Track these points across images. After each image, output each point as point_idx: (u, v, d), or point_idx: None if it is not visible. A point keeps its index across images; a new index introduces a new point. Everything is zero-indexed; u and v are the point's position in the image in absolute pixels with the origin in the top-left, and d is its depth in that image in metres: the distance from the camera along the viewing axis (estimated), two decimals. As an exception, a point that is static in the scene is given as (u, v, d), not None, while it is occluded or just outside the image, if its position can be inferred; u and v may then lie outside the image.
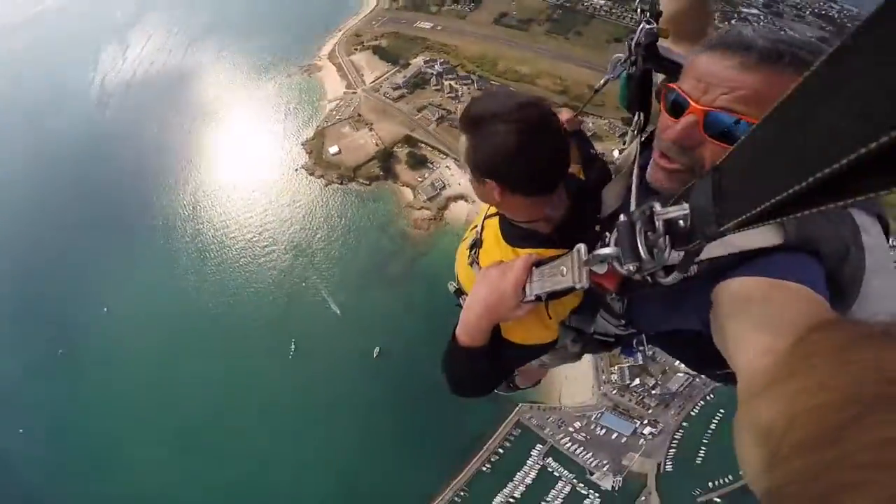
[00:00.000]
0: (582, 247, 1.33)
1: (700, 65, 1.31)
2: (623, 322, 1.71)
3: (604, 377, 41.54)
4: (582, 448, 39.32)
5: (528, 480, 38.64)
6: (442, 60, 65.21)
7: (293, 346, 44.53)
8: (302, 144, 60.33)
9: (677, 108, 1.34)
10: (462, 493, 38.43)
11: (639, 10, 2.03)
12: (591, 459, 38.81)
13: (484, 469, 39.01)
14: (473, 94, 59.91)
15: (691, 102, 1.28)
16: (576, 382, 40.62)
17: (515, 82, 61.37)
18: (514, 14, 70.47)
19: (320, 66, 72.15)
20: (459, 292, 1.96)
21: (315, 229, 52.42)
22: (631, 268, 1.05)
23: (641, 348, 1.92)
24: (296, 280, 48.93)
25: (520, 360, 1.77)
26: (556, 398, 41.29)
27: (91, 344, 46.75)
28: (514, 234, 1.72)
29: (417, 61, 66.78)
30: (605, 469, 38.16)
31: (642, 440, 38.97)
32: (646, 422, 39.54)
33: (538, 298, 1.46)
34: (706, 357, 1.19)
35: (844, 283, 1.22)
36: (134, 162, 62.35)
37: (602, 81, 2.05)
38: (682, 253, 0.96)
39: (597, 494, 37.45)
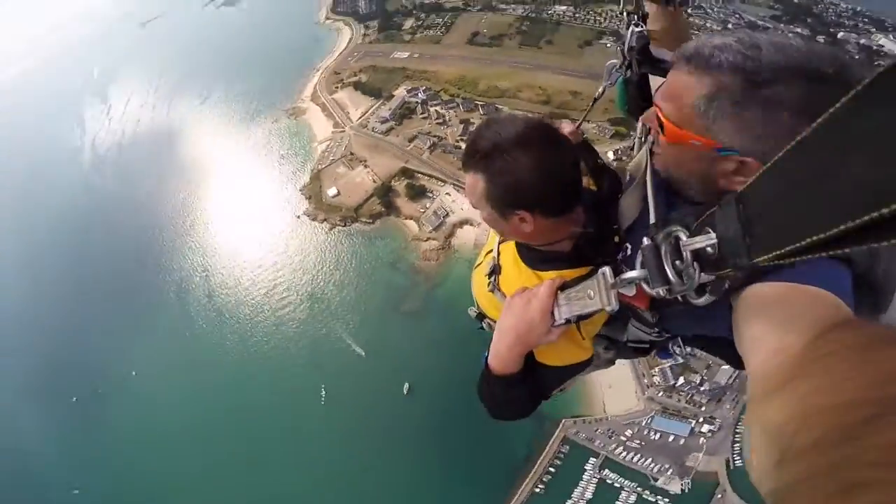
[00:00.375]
0: (607, 270, 1.34)
1: None
2: (657, 329, 1.71)
3: (646, 381, 40.38)
4: (639, 455, 37.91)
5: (588, 495, 37.43)
6: (424, 88, 66.46)
7: (323, 393, 44.94)
8: (300, 190, 61.36)
9: None
10: None
11: (625, 14, 2.08)
12: (651, 465, 37.34)
13: (537, 490, 38.01)
14: (460, 116, 61.80)
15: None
16: (618, 390, 39.92)
17: (498, 98, 62.69)
18: (485, 32, 71.88)
19: (305, 108, 73.30)
20: (482, 316, 2.00)
21: (327, 275, 53.15)
22: (661, 291, 1.06)
23: (678, 350, 1.89)
24: (317, 327, 49.51)
25: (558, 381, 1.75)
26: (601, 409, 40.56)
27: (125, 407, 47.73)
28: (534, 258, 1.72)
29: (400, 91, 67.98)
30: (669, 473, 36.80)
31: (702, 439, 37.82)
32: (701, 419, 38.36)
33: (568, 322, 1.47)
34: None
35: (878, 283, 1.22)
36: (139, 228, 63.18)
37: (600, 90, 2.10)
38: (714, 275, 0.96)
39: (666, 499, 36.26)
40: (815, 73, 1.07)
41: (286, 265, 55.35)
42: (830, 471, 0.44)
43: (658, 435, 38.59)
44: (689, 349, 1.91)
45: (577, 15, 71.92)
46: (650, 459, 37.63)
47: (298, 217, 58.99)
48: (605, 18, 71.49)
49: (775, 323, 0.91)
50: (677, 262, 0.99)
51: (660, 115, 1.31)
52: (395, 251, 53.01)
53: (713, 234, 0.89)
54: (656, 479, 36.83)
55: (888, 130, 0.45)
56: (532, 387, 1.67)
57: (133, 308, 53.68)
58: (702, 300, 1.02)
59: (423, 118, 63.42)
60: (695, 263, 0.96)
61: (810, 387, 0.56)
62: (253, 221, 59.95)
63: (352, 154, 62.75)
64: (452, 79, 66.51)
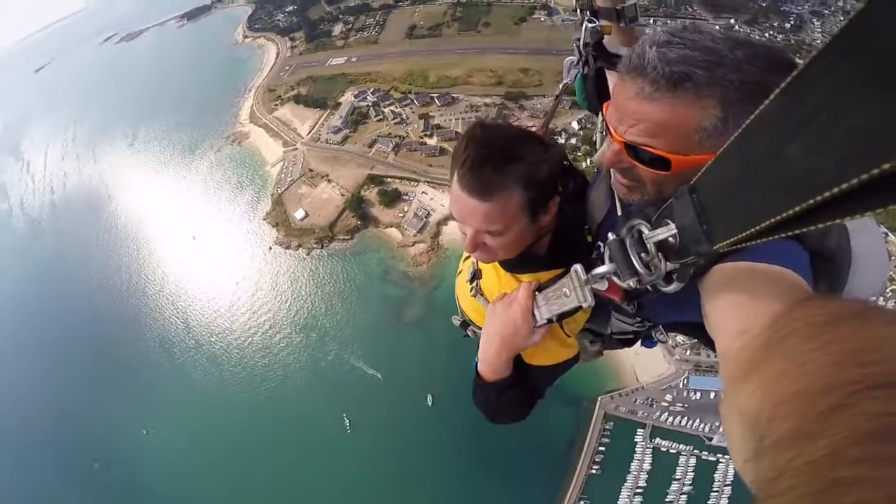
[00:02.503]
0: (579, 267, 1.32)
1: (615, 90, 1.30)
2: (638, 319, 1.71)
3: (670, 342, 38.13)
4: (686, 418, 37.28)
5: (647, 466, 36.57)
6: (372, 89, 63.97)
7: (347, 422, 42.50)
8: (264, 219, 57.29)
9: (608, 130, 1.34)
10: (583, 502, 36.33)
11: (578, 10, 2.06)
12: (701, 426, 36.72)
13: (594, 472, 37.09)
14: (418, 112, 59.79)
15: (612, 132, 1.30)
16: (646, 357, 37.98)
17: (452, 87, 61.34)
18: (422, 24, 70.36)
19: (247, 132, 68.76)
20: (465, 324, 1.98)
21: (316, 303, 49.97)
22: (631, 283, 1.07)
23: (661, 337, 1.90)
24: (319, 357, 46.60)
25: (549, 380, 1.75)
26: (633, 379, 39.64)
27: (147, 466, 45.19)
28: (512, 263, 1.69)
29: (347, 98, 65.10)
30: (720, 429, 36.29)
31: None
32: None
33: (550, 321, 1.47)
34: None
35: (832, 256, 1.26)
36: (101, 291, 58.33)
37: (560, 87, 2.02)
38: (678, 263, 0.99)
39: (727, 456, 34.28)
40: (781, 61, 1.11)
41: (269, 301, 51.59)
42: (808, 469, 0.43)
43: (698, 394, 37.85)
44: (672, 335, 1.94)
45: (506, -7, 71.71)
46: (698, 420, 36.97)
47: (270, 248, 54.95)
48: (533, -7, 71.88)
49: (737, 304, 0.93)
50: (643, 255, 1.03)
51: (656, 152, 1.21)
52: (382, 263, 50.46)
53: (672, 225, 0.93)
54: (710, 439, 36.28)
55: (824, 111, 0.47)
56: (525, 388, 1.65)
57: (123, 370, 50.42)
58: (671, 287, 1.05)
59: (379, 120, 60.93)
60: (659, 254, 1.00)
61: (777, 370, 0.56)
62: (222, 262, 55.49)
63: (311, 171, 59.34)
64: (400, 76, 64.40)
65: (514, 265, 1.69)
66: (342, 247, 52.56)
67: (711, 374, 38.04)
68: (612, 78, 2.04)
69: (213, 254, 56.40)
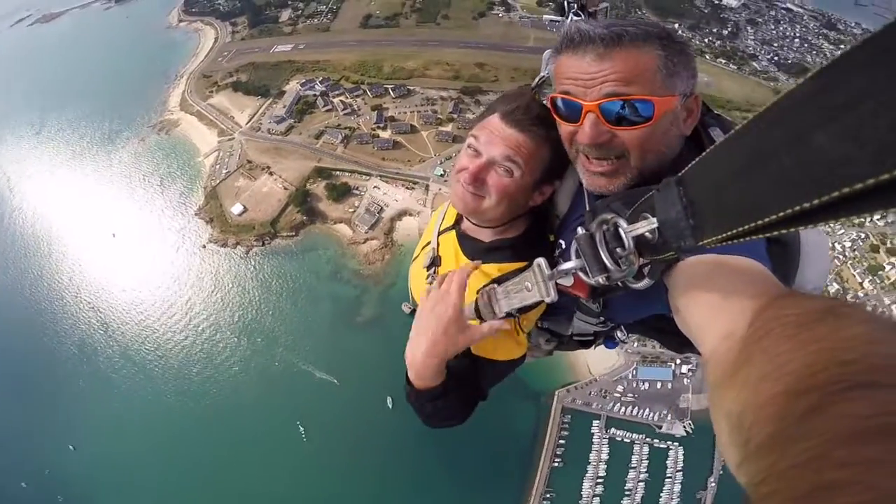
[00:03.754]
0: (542, 261, 1.26)
1: (566, 68, 1.36)
2: (601, 319, 1.66)
3: (619, 334, 40.95)
4: (636, 408, 38.85)
5: (605, 456, 37.67)
6: (321, 79, 59.39)
7: (302, 430, 39.06)
8: (196, 214, 50.93)
9: (573, 113, 1.36)
10: (549, 495, 36.62)
11: (566, 4, 2.11)
12: (650, 414, 38.44)
13: (556, 465, 37.49)
14: (370, 103, 55.94)
15: (582, 103, 1.32)
16: (597, 349, 39.59)
17: (407, 80, 58.14)
18: (378, 14, 66.95)
19: (176, 120, 61.83)
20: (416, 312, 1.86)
21: (260, 305, 44.73)
22: (600, 279, 1.04)
23: (623, 337, 1.87)
24: (266, 362, 41.84)
25: (493, 379, 1.62)
26: (586, 371, 40.33)
27: (78, 484, 40.05)
28: (477, 249, 1.66)
29: (292, 86, 60.12)
30: (669, 418, 37.96)
31: (686, 380, 38.94)
32: (679, 361, 39.10)
33: (509, 315, 1.40)
34: (685, 337, 1.12)
35: (788, 241, 1.32)
36: (6, 297, 50.04)
37: (538, 79, 1.95)
38: (651, 259, 0.97)
39: (675, 443, 37.04)
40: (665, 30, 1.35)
41: (207, 304, 45.72)
42: (792, 472, 0.43)
43: (646, 385, 39.60)
44: (632, 336, 1.91)
45: (467, -13, 69.70)
46: (647, 409, 38.66)
47: (204, 247, 48.69)
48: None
49: (716, 304, 0.90)
50: (618, 250, 0.99)
51: (638, 97, 1.29)
52: (331, 261, 45.84)
53: (653, 219, 0.89)
54: (660, 427, 37.96)
55: (848, 104, 0.44)
56: (462, 394, 1.50)
57: (41, 384, 43.99)
58: (641, 284, 1.04)
59: (328, 111, 56.49)
60: (635, 249, 0.97)
61: (757, 373, 0.56)
62: (148, 262, 48.71)
63: (249, 162, 53.73)
64: (352, 65, 60.37)
65: (478, 252, 1.63)
66: (286, 244, 47.47)
67: (657, 364, 40.02)
68: None
69: (138, 253, 49.30)
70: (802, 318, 0.57)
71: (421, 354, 1.39)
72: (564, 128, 1.42)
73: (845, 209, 0.47)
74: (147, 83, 68.81)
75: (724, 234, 0.67)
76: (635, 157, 1.34)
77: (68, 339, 46.55)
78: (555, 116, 1.45)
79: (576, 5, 2.08)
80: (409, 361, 1.45)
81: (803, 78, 0.50)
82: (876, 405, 0.41)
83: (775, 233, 0.58)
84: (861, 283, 43.03)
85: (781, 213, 0.53)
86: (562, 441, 38.19)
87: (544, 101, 1.56)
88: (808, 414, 0.45)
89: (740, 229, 0.62)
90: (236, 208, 49.60)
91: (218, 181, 52.56)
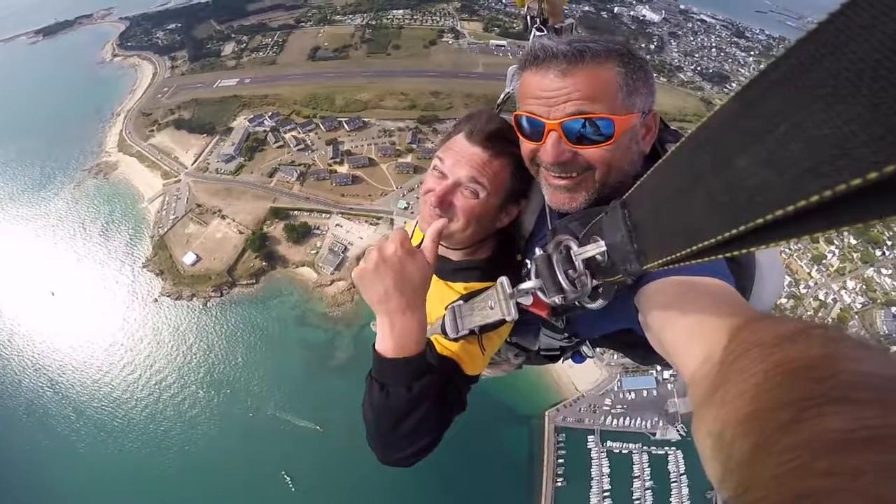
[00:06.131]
0: (504, 280, 1.28)
1: (530, 86, 1.35)
2: (566, 335, 1.69)
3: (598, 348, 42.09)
4: (627, 418, 39.16)
5: (606, 470, 37.53)
6: (270, 113, 57.42)
7: (288, 479, 37.15)
8: (144, 267, 47.47)
9: (535, 131, 1.36)
10: None
11: (528, 18, 2.09)
12: (642, 423, 38.80)
13: (559, 484, 37.12)
14: (325, 137, 54.50)
15: (544, 121, 1.32)
16: (579, 366, 39.45)
17: (361, 112, 57.17)
18: (327, 46, 65.80)
19: (115, 162, 57.99)
20: None
21: (225, 357, 42.08)
22: (556, 299, 1.06)
23: (589, 352, 1.88)
24: (241, 415, 39.43)
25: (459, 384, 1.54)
26: (573, 388, 40.33)
27: None
28: (447, 269, 1.63)
29: (240, 122, 57.84)
30: (661, 425, 38.30)
31: (669, 385, 39.66)
32: (660, 368, 37.68)
33: (472, 332, 1.40)
34: (651, 350, 1.15)
35: (744, 260, 1.35)
36: None
37: (503, 96, 1.96)
38: (603, 281, 0.99)
39: (673, 447, 37.37)
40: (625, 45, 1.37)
41: (168, 360, 42.63)
42: (773, 482, 0.44)
43: (633, 394, 40.19)
44: (598, 350, 1.93)
45: (415, 17, 69.97)
46: (638, 418, 39.03)
47: (156, 300, 45.32)
48: (440, 17, 70.92)
49: (692, 327, 0.90)
50: (570, 271, 1.02)
51: (598, 115, 1.28)
52: (297, 306, 43.76)
53: (601, 242, 0.91)
54: (654, 434, 38.26)
55: (766, 126, 0.44)
56: (441, 381, 1.35)
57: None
58: (595, 304, 1.06)
59: (279, 147, 54.57)
60: (587, 272, 1.00)
61: (735, 391, 0.58)
62: (96, 322, 44.79)
63: (199, 206, 50.91)
64: (302, 99, 58.77)
65: (447, 272, 1.62)
66: (246, 293, 44.96)
67: (640, 373, 40.25)
68: None
69: (83, 311, 45.22)
70: (776, 339, 0.59)
71: (396, 307, 1.24)
72: (526, 146, 1.40)
73: (773, 235, 0.47)
74: (80, 123, 64.36)
75: (665, 259, 0.68)
76: (599, 173, 1.33)
77: (16, 401, 42.51)
78: (518, 134, 1.42)
79: (538, 20, 2.08)
80: (383, 324, 1.27)
81: (729, 97, 0.49)
82: (851, 419, 0.43)
83: (713, 257, 0.59)
84: (809, 273, 45.86)
85: (714, 239, 0.53)
86: (560, 460, 38.01)
87: (509, 119, 1.53)
88: (786, 428, 0.46)
89: (679, 254, 0.63)
90: (188, 258, 46.60)
91: (166, 229, 49.38)
